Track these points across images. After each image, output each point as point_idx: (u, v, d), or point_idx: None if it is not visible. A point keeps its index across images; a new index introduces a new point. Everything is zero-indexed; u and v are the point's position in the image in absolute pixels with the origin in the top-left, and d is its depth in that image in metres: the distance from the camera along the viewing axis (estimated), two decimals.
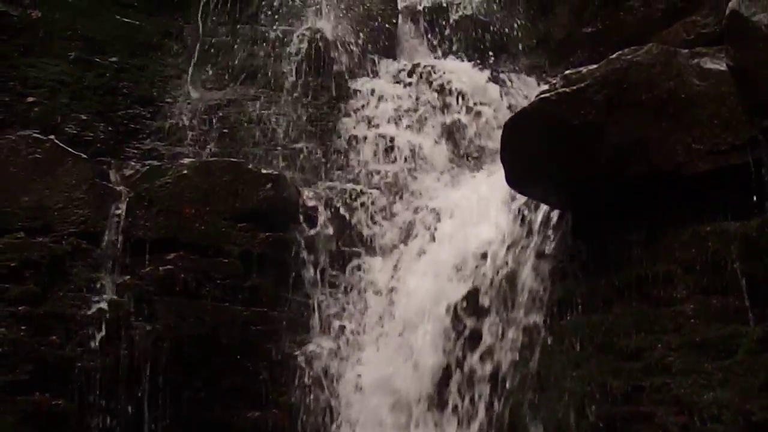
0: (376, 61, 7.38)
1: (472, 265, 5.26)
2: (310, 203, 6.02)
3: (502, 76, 7.53)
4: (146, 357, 5.33)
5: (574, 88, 4.29)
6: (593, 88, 4.25)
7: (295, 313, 5.72)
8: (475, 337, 5.12)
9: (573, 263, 4.67)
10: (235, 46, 7.02)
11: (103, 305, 5.35)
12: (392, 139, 6.69)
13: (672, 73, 4.21)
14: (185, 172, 5.76)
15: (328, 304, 5.81)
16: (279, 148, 6.59)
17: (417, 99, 7.06)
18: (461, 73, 7.36)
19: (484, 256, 5.23)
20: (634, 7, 7.11)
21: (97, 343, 5.28)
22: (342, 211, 6.10)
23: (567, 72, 4.42)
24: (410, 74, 7.26)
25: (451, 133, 6.89)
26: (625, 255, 4.40)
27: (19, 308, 5.23)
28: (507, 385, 4.83)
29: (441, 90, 7.15)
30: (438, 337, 5.22)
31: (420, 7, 8.17)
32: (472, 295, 5.19)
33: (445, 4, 8.19)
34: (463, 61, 7.60)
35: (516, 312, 4.93)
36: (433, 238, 5.84)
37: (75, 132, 6.21)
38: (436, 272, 5.48)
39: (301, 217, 5.94)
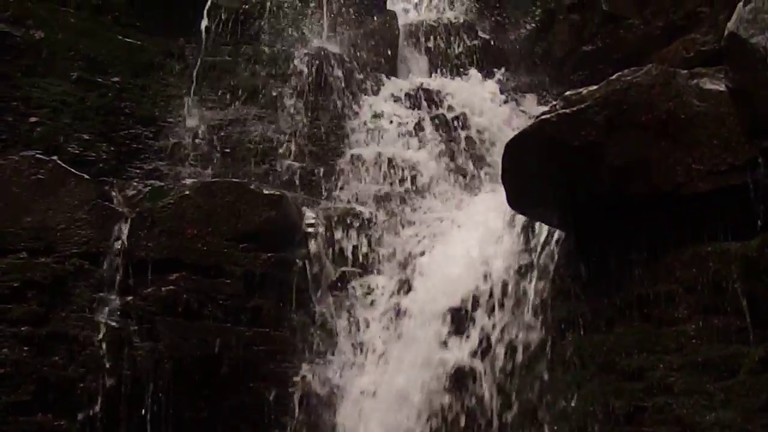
0: (377, 80, 7.40)
1: (475, 284, 5.26)
2: (312, 223, 6.01)
3: (503, 93, 7.56)
4: (148, 377, 5.33)
5: (575, 109, 4.30)
6: (593, 109, 4.26)
7: (298, 333, 5.71)
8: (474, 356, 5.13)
9: (575, 283, 4.68)
10: (237, 66, 7.05)
11: (106, 326, 5.35)
12: (393, 158, 6.72)
13: (671, 94, 4.22)
14: (187, 192, 5.76)
15: (330, 323, 5.81)
16: (280, 167, 6.62)
17: (418, 117, 7.09)
18: (462, 91, 7.41)
19: (486, 275, 5.23)
20: (634, 25, 7.16)
21: (99, 364, 5.27)
22: (344, 230, 6.10)
23: (567, 93, 4.44)
24: (411, 93, 7.28)
25: (453, 152, 6.92)
26: (627, 275, 4.41)
27: (22, 329, 5.23)
28: (509, 404, 4.83)
29: (441, 108, 7.18)
30: (438, 355, 5.23)
31: (420, 26, 8.22)
32: (474, 314, 5.19)
33: (445, 22, 8.25)
34: (463, 79, 7.62)
35: (518, 331, 4.93)
36: (435, 257, 5.84)
37: (77, 152, 6.22)
38: (438, 291, 5.49)
39: (303, 238, 5.95)
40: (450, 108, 7.21)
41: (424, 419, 5.12)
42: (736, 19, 3.81)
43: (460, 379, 5.15)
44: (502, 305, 5.06)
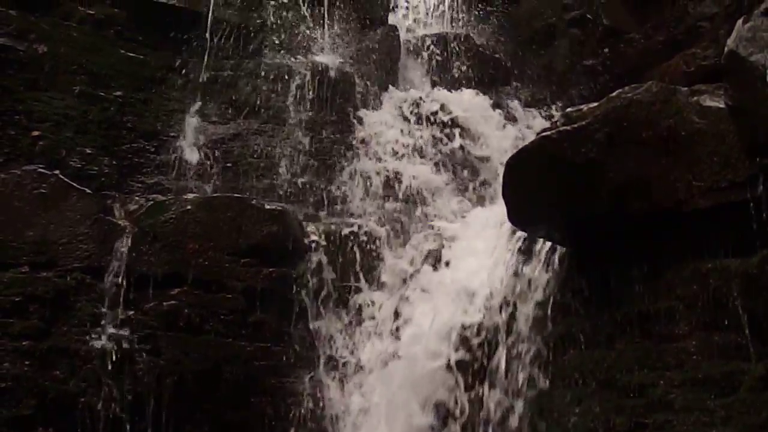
0: (380, 94, 7.43)
1: (475, 299, 5.27)
2: (314, 238, 6.02)
3: (504, 107, 7.58)
4: (150, 392, 5.33)
5: (575, 125, 4.31)
6: (594, 126, 4.27)
7: (299, 348, 5.72)
8: (478, 372, 5.13)
9: (575, 299, 4.67)
10: (239, 80, 7.06)
11: (107, 340, 5.36)
12: (396, 173, 6.74)
13: (672, 111, 4.22)
14: (189, 207, 5.76)
15: (332, 339, 5.81)
16: (282, 182, 6.64)
17: (420, 131, 7.11)
18: (464, 104, 7.42)
19: (486, 290, 5.23)
20: (635, 39, 7.19)
21: (100, 379, 5.28)
22: (345, 245, 6.09)
23: (568, 110, 4.46)
24: (413, 106, 7.30)
25: (455, 166, 6.94)
26: (627, 291, 4.41)
27: (23, 343, 5.23)
28: (510, 421, 4.83)
29: (444, 122, 7.20)
30: (441, 371, 5.23)
31: (422, 40, 8.24)
32: (475, 330, 5.20)
33: (446, 36, 8.27)
34: (465, 92, 7.64)
35: (518, 347, 4.93)
36: (437, 272, 5.85)
37: (79, 166, 6.24)
38: (440, 305, 5.49)
39: (305, 253, 5.95)
40: (451, 122, 7.23)
41: None
42: (736, 37, 3.84)
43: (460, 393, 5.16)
44: (502, 320, 5.05)
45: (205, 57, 7.01)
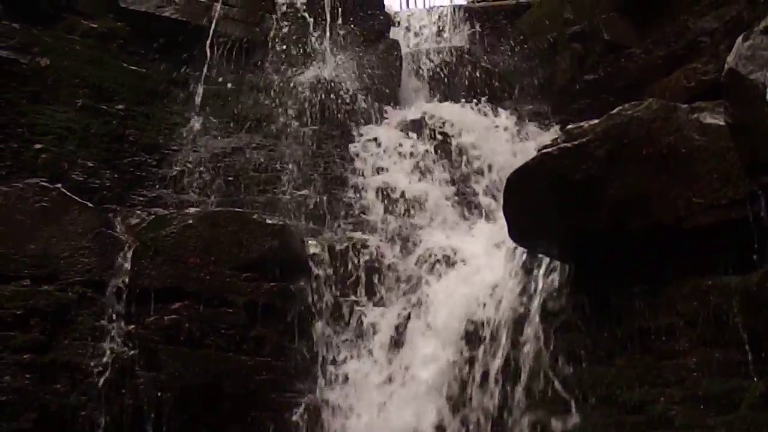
0: (381, 109, 7.45)
1: (477, 315, 5.27)
2: (315, 252, 6.02)
3: (506, 122, 7.58)
4: (150, 406, 5.32)
5: (576, 143, 4.33)
6: (594, 143, 4.29)
7: (300, 362, 5.71)
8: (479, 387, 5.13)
9: (575, 315, 4.69)
10: (241, 94, 7.10)
11: (108, 354, 5.35)
12: (396, 188, 6.75)
13: (672, 128, 4.24)
14: (190, 221, 5.77)
15: (333, 353, 5.80)
16: (284, 196, 6.65)
17: (421, 146, 7.12)
18: (465, 119, 7.43)
19: (487, 306, 5.24)
20: (635, 54, 7.21)
21: (101, 392, 5.27)
22: (346, 260, 6.08)
23: (568, 127, 4.48)
24: (414, 121, 7.32)
25: (455, 181, 6.94)
26: (628, 307, 4.42)
27: (24, 356, 5.22)
28: None
29: (445, 137, 7.22)
30: (443, 386, 5.23)
31: (423, 54, 8.26)
32: (476, 346, 5.20)
33: (448, 51, 8.29)
34: (466, 107, 7.66)
35: (519, 362, 4.93)
36: (438, 287, 5.85)
37: (81, 179, 6.26)
38: (440, 322, 5.50)
39: (306, 267, 5.94)
40: (452, 136, 7.24)
41: None
42: (735, 55, 3.84)
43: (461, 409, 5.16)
44: (503, 336, 5.05)
45: (207, 70, 7.04)
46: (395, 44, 8.07)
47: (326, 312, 5.90)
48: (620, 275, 4.44)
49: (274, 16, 7.49)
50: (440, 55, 8.22)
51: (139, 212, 6.12)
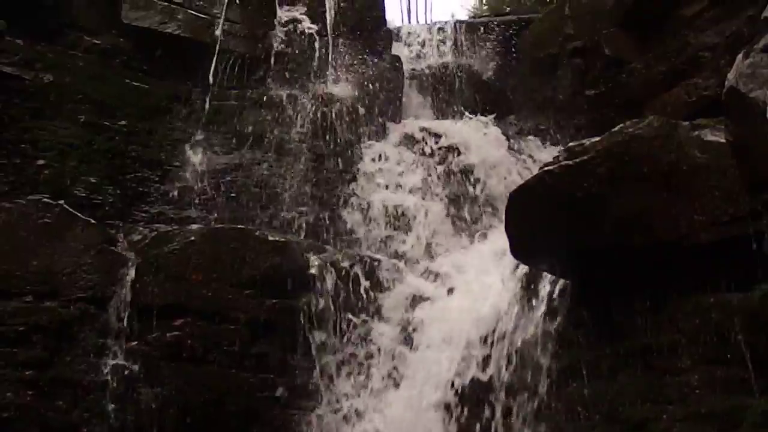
0: (383, 125, 7.46)
1: (479, 332, 5.27)
2: (317, 269, 6.00)
3: (506, 137, 7.60)
4: (152, 423, 5.33)
5: (577, 160, 4.32)
6: (596, 161, 4.28)
7: (302, 379, 5.71)
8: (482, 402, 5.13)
9: (578, 331, 4.68)
10: (243, 111, 7.12)
11: (111, 371, 5.36)
12: (399, 204, 6.76)
13: (673, 146, 4.24)
14: (193, 238, 5.79)
15: (335, 370, 5.79)
16: (286, 212, 6.66)
17: (424, 162, 7.13)
18: (467, 135, 7.46)
19: (490, 323, 5.24)
20: (636, 69, 7.21)
21: (103, 409, 5.27)
22: (348, 277, 6.07)
23: (570, 144, 4.47)
24: (417, 137, 7.34)
25: (458, 197, 6.95)
26: (629, 324, 4.42)
27: (26, 373, 5.23)
28: None
29: (447, 153, 7.22)
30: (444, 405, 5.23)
31: (426, 70, 8.28)
32: (479, 362, 5.20)
33: (449, 66, 8.31)
34: (468, 123, 7.67)
35: (522, 378, 4.93)
36: (440, 303, 5.85)
37: (84, 195, 6.29)
38: (444, 339, 5.50)
39: (308, 284, 5.93)
40: (454, 152, 7.25)
41: None
42: (736, 73, 3.85)
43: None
44: (506, 352, 5.05)
45: (210, 87, 7.05)
46: (398, 60, 8.09)
47: (328, 328, 5.89)
48: (622, 292, 4.43)
49: (276, 33, 7.50)
50: (441, 71, 8.23)
51: (141, 228, 6.14)
